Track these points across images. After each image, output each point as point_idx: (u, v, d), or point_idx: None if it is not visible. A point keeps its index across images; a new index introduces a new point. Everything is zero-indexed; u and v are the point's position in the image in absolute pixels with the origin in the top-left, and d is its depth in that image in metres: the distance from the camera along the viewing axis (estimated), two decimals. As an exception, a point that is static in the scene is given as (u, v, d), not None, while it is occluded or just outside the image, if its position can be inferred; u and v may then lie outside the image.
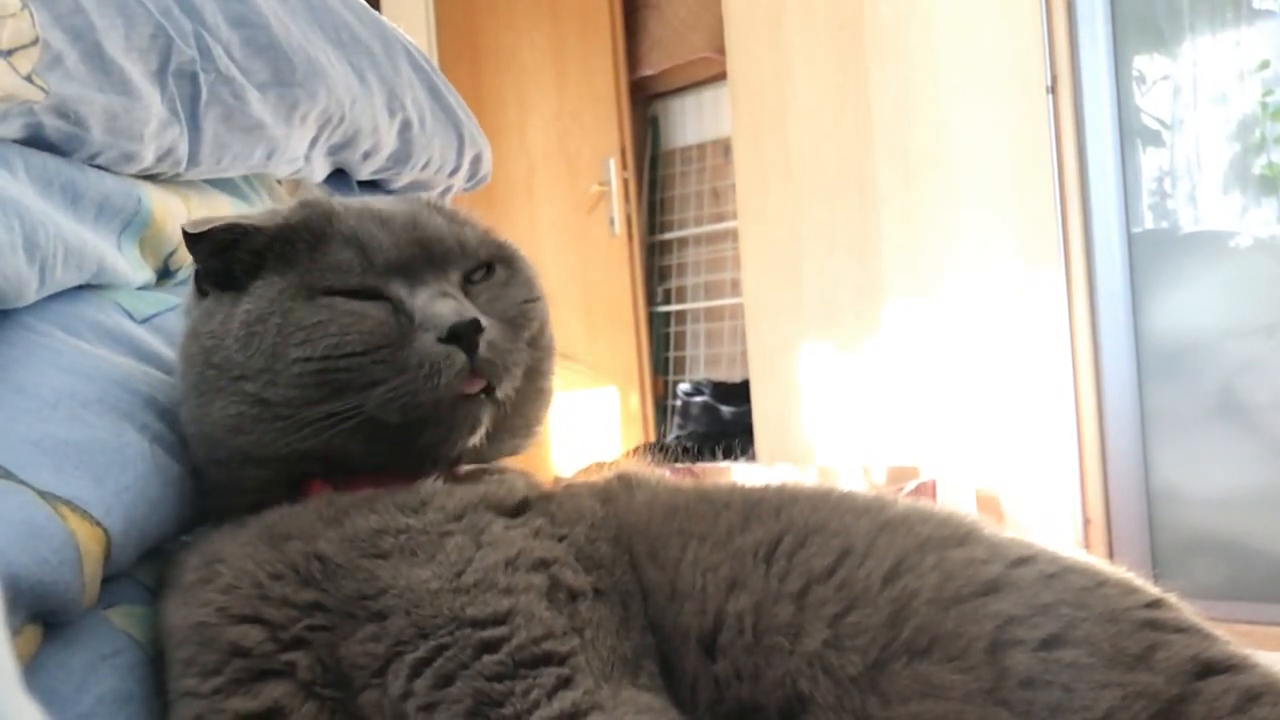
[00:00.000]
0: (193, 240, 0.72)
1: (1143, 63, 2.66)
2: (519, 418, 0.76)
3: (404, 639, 0.59)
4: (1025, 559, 0.62)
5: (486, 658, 0.58)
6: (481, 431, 0.70)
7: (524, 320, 0.75)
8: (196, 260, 0.74)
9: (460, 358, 0.67)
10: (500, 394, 0.70)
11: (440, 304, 0.69)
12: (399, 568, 0.62)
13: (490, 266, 0.76)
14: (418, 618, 0.59)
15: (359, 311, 0.69)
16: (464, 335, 0.67)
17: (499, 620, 0.59)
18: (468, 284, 0.74)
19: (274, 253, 0.72)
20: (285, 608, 0.62)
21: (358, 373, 0.67)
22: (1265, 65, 2.51)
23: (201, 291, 0.74)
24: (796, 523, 0.65)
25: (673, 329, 3.92)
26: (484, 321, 0.69)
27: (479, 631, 0.59)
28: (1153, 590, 0.63)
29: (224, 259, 0.72)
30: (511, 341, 0.72)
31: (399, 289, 0.70)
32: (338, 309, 0.68)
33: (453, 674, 0.57)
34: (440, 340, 0.67)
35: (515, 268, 0.78)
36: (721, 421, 3.37)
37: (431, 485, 0.68)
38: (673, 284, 3.92)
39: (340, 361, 0.67)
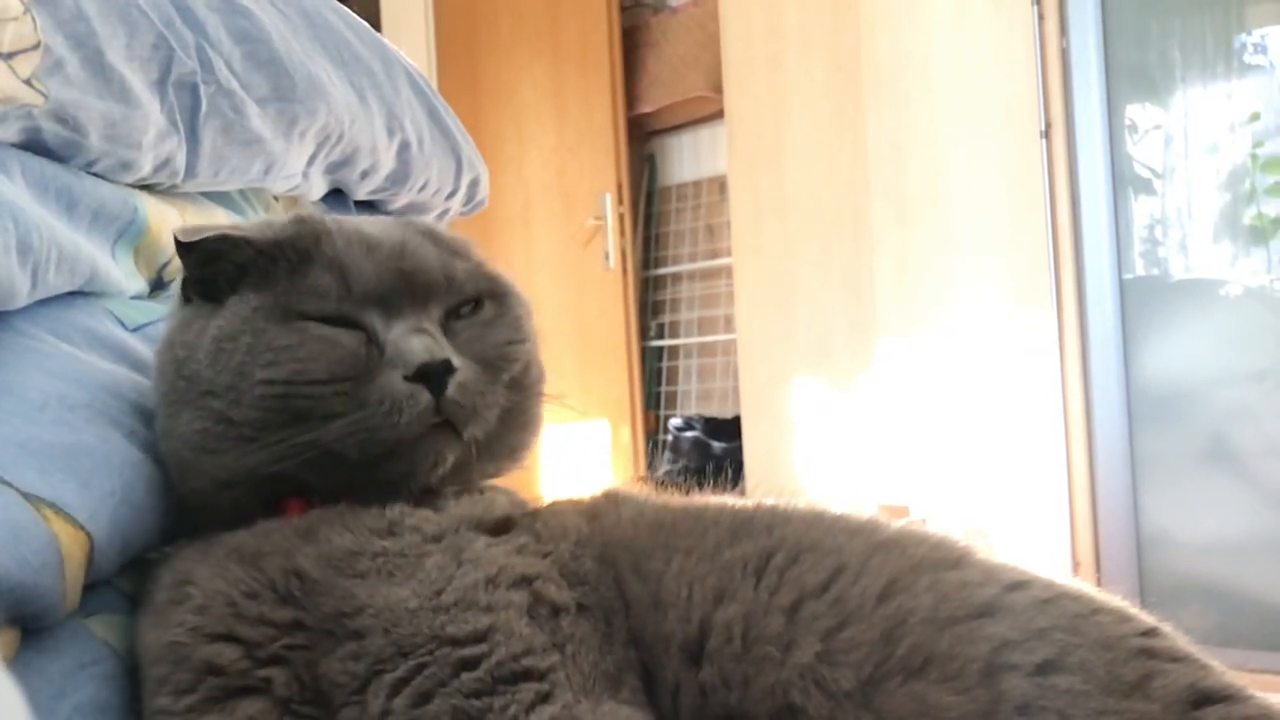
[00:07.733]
0: (183, 249, 0.72)
1: (1135, 112, 2.69)
2: (498, 446, 0.74)
3: (383, 658, 0.58)
4: (1019, 583, 0.62)
5: (465, 675, 0.57)
6: (445, 469, 0.69)
7: (504, 362, 0.73)
8: (185, 268, 0.74)
9: (425, 398, 0.66)
10: (466, 435, 0.68)
11: (413, 340, 0.67)
12: (376, 587, 0.61)
13: (478, 302, 0.75)
14: (397, 636, 0.59)
15: (330, 339, 0.67)
16: (432, 375, 0.66)
17: (478, 638, 0.59)
18: (450, 319, 0.73)
19: (257, 268, 0.70)
20: (262, 626, 0.61)
21: (319, 401, 0.66)
22: (1256, 118, 2.54)
23: (186, 298, 0.73)
24: (789, 540, 0.65)
25: (665, 364, 3.92)
26: (457, 362, 0.67)
27: (458, 649, 0.58)
28: (1147, 618, 0.62)
29: (210, 269, 0.71)
30: (487, 384, 0.70)
31: (375, 319, 0.69)
32: (309, 334, 0.67)
33: (431, 691, 0.57)
34: (406, 378, 0.66)
35: (505, 305, 0.76)
36: (712, 457, 3.36)
37: (400, 509, 0.66)
38: (666, 319, 3.93)
39: (303, 388, 0.66)
